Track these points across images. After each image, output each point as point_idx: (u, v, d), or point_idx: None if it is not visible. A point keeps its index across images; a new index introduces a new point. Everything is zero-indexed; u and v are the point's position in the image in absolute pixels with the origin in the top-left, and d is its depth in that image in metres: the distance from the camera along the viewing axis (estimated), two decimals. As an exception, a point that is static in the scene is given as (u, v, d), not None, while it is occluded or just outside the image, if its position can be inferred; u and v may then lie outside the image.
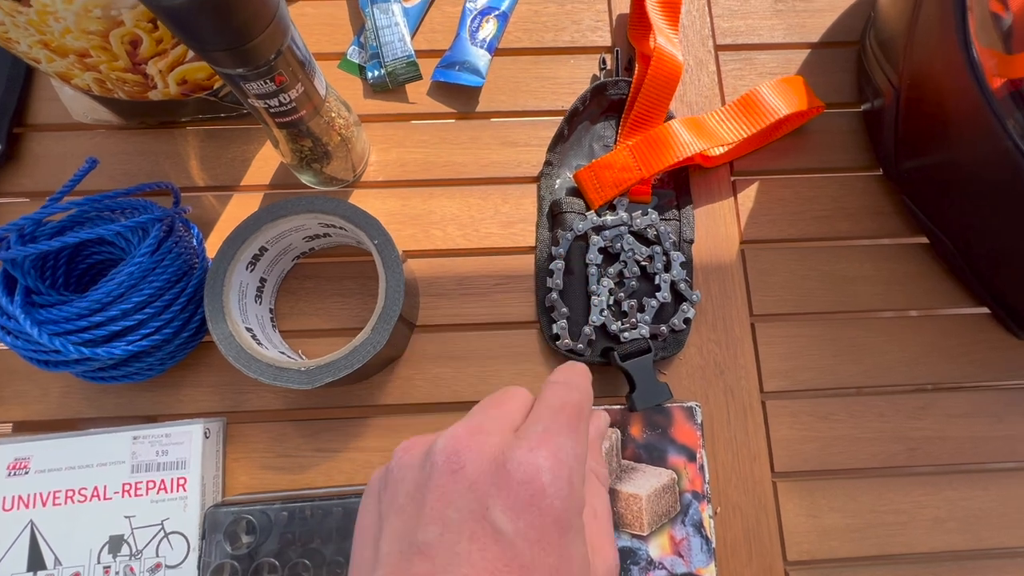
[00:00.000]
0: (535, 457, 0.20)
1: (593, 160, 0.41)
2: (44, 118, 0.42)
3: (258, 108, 0.30)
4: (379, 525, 0.21)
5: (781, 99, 0.39)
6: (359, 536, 0.22)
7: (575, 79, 0.44)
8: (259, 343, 0.33)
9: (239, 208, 0.41)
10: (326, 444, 0.37)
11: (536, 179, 0.41)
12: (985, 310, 0.39)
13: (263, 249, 0.35)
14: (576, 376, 0.24)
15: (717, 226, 0.41)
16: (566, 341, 0.37)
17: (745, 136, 0.38)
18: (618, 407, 0.35)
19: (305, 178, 0.40)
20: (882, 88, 0.38)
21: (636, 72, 0.40)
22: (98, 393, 0.37)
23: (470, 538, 0.19)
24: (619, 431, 0.34)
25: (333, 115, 0.34)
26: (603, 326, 0.37)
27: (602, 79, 0.42)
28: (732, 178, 0.42)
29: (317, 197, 0.34)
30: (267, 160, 0.41)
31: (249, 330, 0.33)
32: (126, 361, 0.33)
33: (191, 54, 0.35)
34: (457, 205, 0.41)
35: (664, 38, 0.39)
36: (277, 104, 0.30)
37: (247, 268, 0.34)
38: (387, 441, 0.37)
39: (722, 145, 0.39)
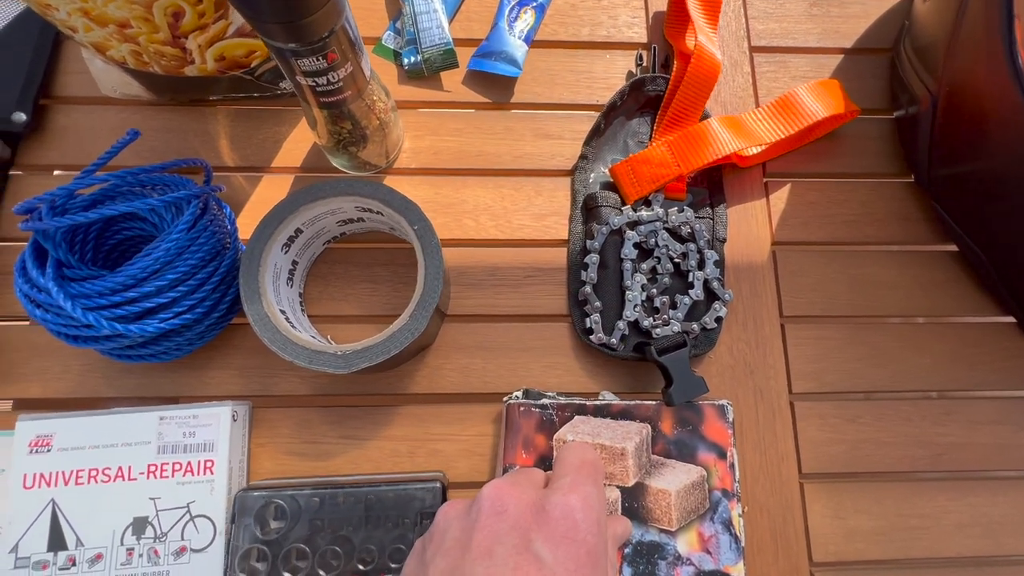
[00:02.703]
0: (569, 499, 0.24)
1: (628, 155, 0.41)
2: (71, 90, 0.41)
3: (303, 86, 0.30)
4: (423, 570, 0.23)
5: (819, 102, 0.39)
6: None
7: (610, 74, 0.43)
8: (292, 326, 0.33)
9: (269, 190, 0.40)
10: (352, 431, 0.36)
11: (570, 172, 0.41)
12: (1011, 319, 0.40)
13: (298, 231, 0.34)
14: (585, 444, 0.29)
15: (749, 226, 0.41)
16: (599, 335, 0.37)
17: (783, 137, 0.39)
18: (650, 402, 0.34)
19: (338, 161, 0.39)
20: (918, 95, 0.39)
21: (674, 69, 0.40)
22: (120, 372, 0.36)
23: (514, 568, 0.21)
24: (649, 426, 0.34)
25: (374, 98, 0.34)
26: (635, 322, 0.37)
27: (639, 75, 0.42)
28: (764, 179, 0.42)
29: (356, 180, 0.34)
30: (298, 142, 0.41)
31: (283, 312, 0.33)
32: (155, 340, 0.33)
33: (231, 30, 0.34)
34: (490, 195, 0.40)
35: (705, 36, 0.39)
36: (325, 83, 0.29)
37: (282, 249, 0.34)
38: (415, 430, 0.36)
39: (759, 145, 0.39)
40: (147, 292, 0.30)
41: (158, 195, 0.33)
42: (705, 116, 0.41)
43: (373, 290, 0.38)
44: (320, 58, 0.28)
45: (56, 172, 0.39)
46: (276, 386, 0.37)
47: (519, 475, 0.26)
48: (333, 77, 0.29)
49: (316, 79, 0.29)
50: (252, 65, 0.37)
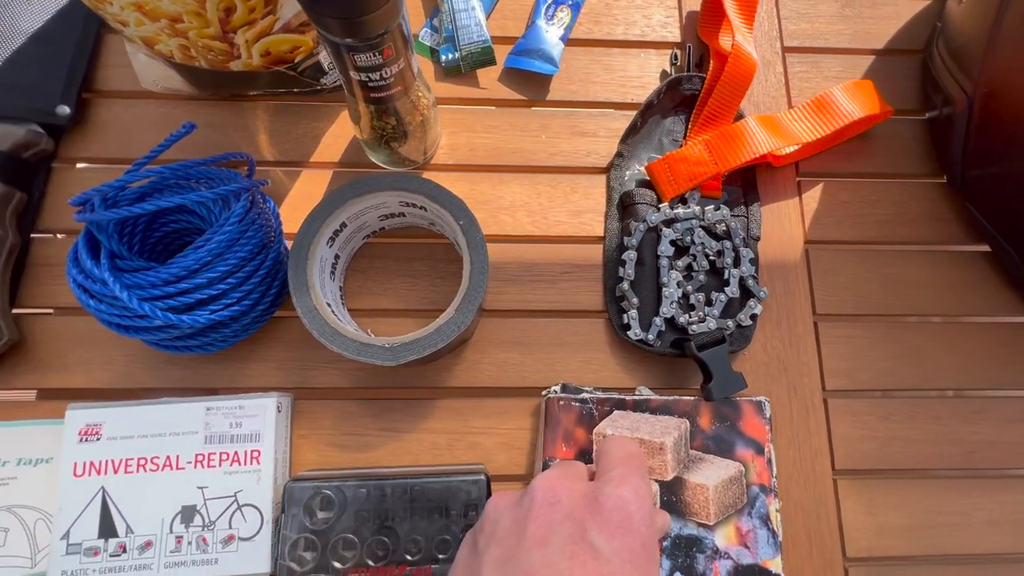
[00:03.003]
0: (621, 491, 0.24)
1: (663, 153, 0.41)
2: (112, 84, 0.41)
3: (353, 81, 0.30)
4: (477, 560, 0.23)
5: (854, 102, 0.40)
6: (458, 571, 0.24)
7: (644, 72, 0.44)
8: (337, 319, 0.33)
9: (308, 184, 0.40)
10: (392, 424, 0.37)
11: (605, 170, 0.42)
12: (1042, 319, 0.40)
13: (343, 225, 0.35)
14: (627, 438, 0.30)
15: (782, 225, 0.41)
16: (636, 331, 0.37)
17: (819, 136, 0.39)
18: (689, 398, 0.35)
19: (377, 157, 0.39)
20: (953, 95, 0.39)
21: (711, 68, 0.41)
22: (163, 363, 0.37)
23: (571, 557, 0.22)
24: (688, 422, 0.34)
25: (419, 95, 0.34)
26: (671, 318, 0.38)
27: (674, 74, 0.42)
28: (797, 178, 0.42)
29: (401, 176, 0.34)
30: (337, 137, 0.41)
31: (328, 305, 0.33)
32: (202, 331, 0.33)
33: (278, 25, 0.35)
34: (527, 192, 0.41)
35: (742, 36, 0.40)
36: (378, 78, 0.29)
37: (328, 243, 0.34)
38: (454, 423, 0.37)
39: (795, 144, 0.39)
40: (199, 284, 0.31)
41: (205, 188, 0.34)
42: (739, 116, 0.41)
43: (411, 284, 0.39)
44: (376, 54, 0.28)
45: (96, 165, 0.40)
46: (316, 379, 0.37)
47: (566, 468, 0.27)
48: (386, 73, 0.30)
49: (369, 75, 0.29)
50: (296, 60, 0.37)
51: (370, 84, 0.30)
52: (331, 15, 0.25)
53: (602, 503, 0.24)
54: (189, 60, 0.35)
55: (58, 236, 0.39)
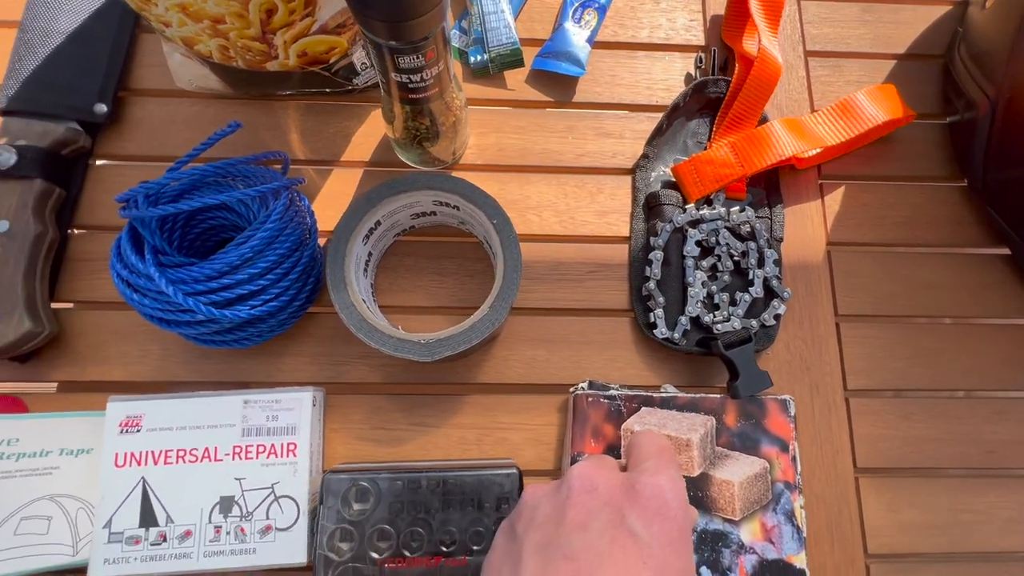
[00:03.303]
0: (658, 479, 0.25)
1: (686, 156, 0.42)
2: (146, 83, 0.42)
3: (393, 82, 0.31)
4: (517, 545, 0.24)
5: (878, 106, 0.40)
6: (493, 561, 0.25)
7: (669, 75, 0.44)
8: (372, 314, 0.34)
9: (338, 183, 0.41)
10: (422, 419, 0.37)
11: (631, 171, 0.42)
12: (1061, 322, 0.41)
13: (378, 223, 0.35)
14: (657, 432, 0.30)
15: (804, 227, 0.42)
16: (662, 330, 0.38)
17: (843, 140, 0.40)
18: (715, 396, 0.35)
19: (407, 156, 0.40)
20: (976, 100, 0.40)
21: (736, 72, 0.41)
22: (198, 357, 0.38)
23: (611, 541, 0.22)
24: (714, 419, 0.35)
25: (452, 96, 0.35)
26: (696, 317, 0.38)
27: (698, 77, 0.43)
28: (820, 181, 0.43)
29: (437, 175, 0.35)
30: (367, 137, 0.42)
31: (364, 302, 0.34)
32: (241, 326, 0.34)
33: (315, 27, 0.35)
34: (554, 192, 0.42)
35: (767, 40, 0.40)
36: (418, 80, 0.30)
37: (363, 240, 0.35)
38: (483, 418, 0.37)
39: (819, 147, 0.40)
40: (240, 279, 0.31)
41: (243, 186, 0.35)
42: (763, 119, 0.42)
43: (440, 282, 0.40)
44: (419, 57, 0.29)
45: (131, 163, 0.41)
46: (347, 374, 0.38)
47: (598, 460, 0.27)
48: (426, 75, 0.30)
49: (410, 76, 0.30)
50: (331, 61, 0.38)
51: (410, 85, 0.31)
52: (379, 18, 0.26)
53: (639, 491, 0.24)
54: (227, 60, 0.36)
55: (89, 232, 0.40)
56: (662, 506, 0.24)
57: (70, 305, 0.38)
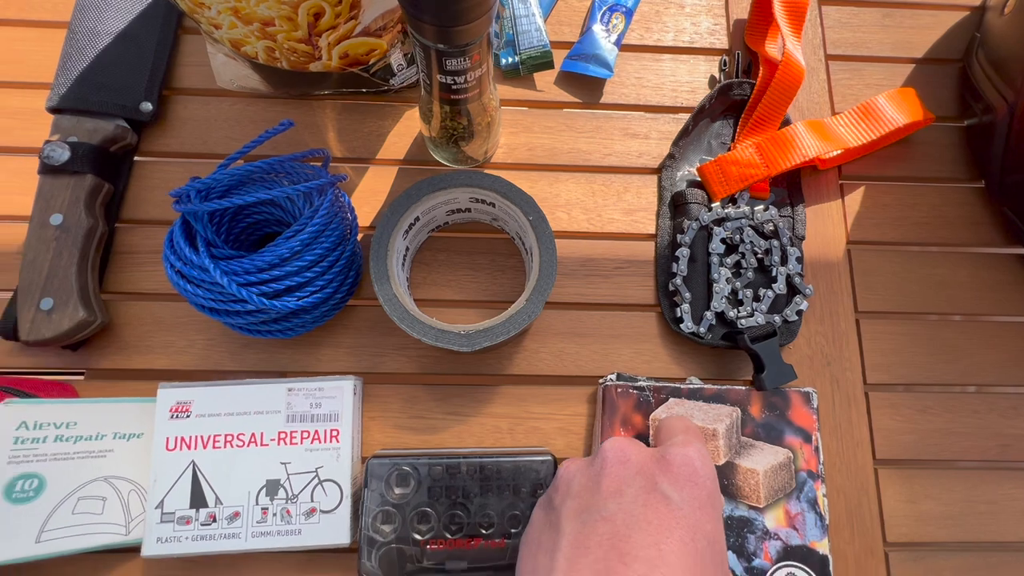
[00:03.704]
0: (687, 450, 0.26)
1: (710, 156, 0.43)
2: (187, 82, 0.43)
3: (437, 82, 0.32)
4: (555, 515, 0.25)
5: (898, 109, 0.41)
6: (532, 534, 0.26)
7: (694, 78, 0.46)
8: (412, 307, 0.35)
9: (373, 180, 0.42)
10: (456, 408, 0.39)
11: (657, 170, 0.44)
12: (1075, 320, 0.42)
13: (417, 219, 0.37)
14: (682, 416, 0.32)
15: (825, 226, 0.43)
16: (688, 324, 0.39)
17: (865, 141, 0.41)
18: (740, 387, 0.37)
19: (441, 155, 0.41)
20: (994, 104, 0.41)
21: (760, 75, 0.43)
22: (241, 347, 0.39)
23: (644, 504, 0.23)
24: (739, 410, 0.36)
25: (490, 97, 0.36)
26: (721, 312, 0.39)
27: (722, 80, 0.44)
28: (840, 181, 0.44)
29: (475, 172, 0.36)
30: (401, 136, 0.43)
31: (404, 294, 0.35)
32: (286, 317, 0.35)
33: (358, 29, 0.37)
34: (582, 190, 0.43)
35: (792, 44, 0.41)
36: (462, 81, 0.31)
37: (404, 235, 0.36)
38: (515, 408, 0.39)
39: (841, 148, 0.41)
40: (289, 271, 0.33)
41: (287, 182, 0.36)
42: (785, 121, 0.43)
43: (473, 277, 0.41)
44: (465, 59, 0.30)
45: (174, 159, 0.42)
46: (383, 364, 0.39)
47: (629, 438, 0.29)
48: (469, 77, 0.31)
49: (455, 78, 0.31)
50: (370, 63, 0.39)
51: (453, 86, 0.32)
52: (431, 22, 0.27)
53: (670, 460, 0.26)
54: (272, 61, 0.37)
55: (135, 226, 0.41)
56: (692, 473, 0.25)
57: (117, 296, 0.39)
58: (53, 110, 0.39)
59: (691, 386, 0.37)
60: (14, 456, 0.31)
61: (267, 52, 0.37)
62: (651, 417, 0.36)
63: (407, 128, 0.43)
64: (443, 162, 0.42)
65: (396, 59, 0.40)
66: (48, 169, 0.37)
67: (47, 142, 0.37)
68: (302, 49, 0.36)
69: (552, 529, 0.25)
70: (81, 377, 0.38)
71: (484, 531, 0.32)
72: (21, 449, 0.31)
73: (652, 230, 0.42)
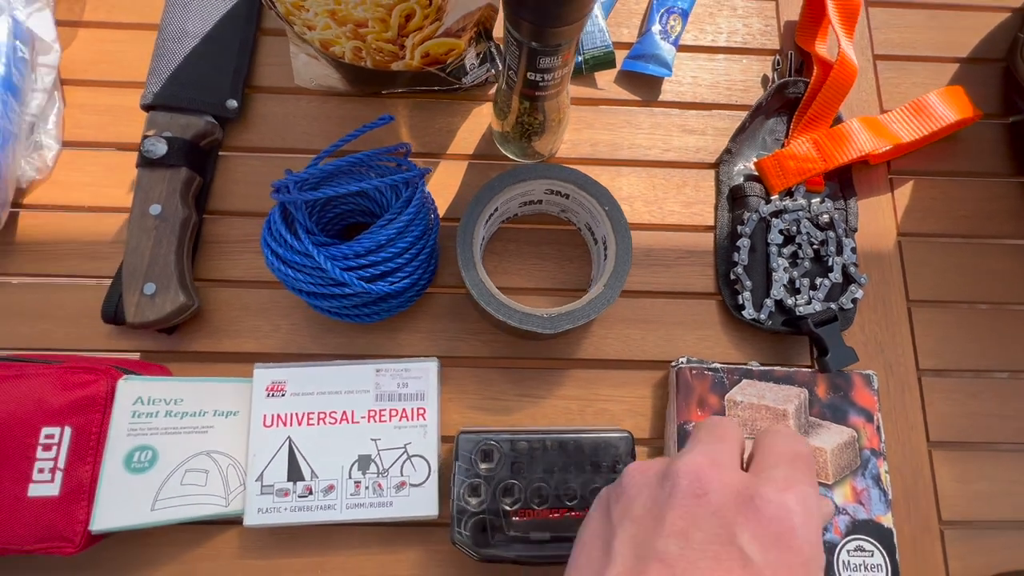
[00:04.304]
0: (785, 498, 0.20)
1: (765, 151, 0.45)
2: (266, 81, 0.46)
3: (521, 78, 0.34)
4: (610, 531, 0.21)
5: (948, 106, 0.43)
6: (586, 539, 0.23)
7: (747, 77, 0.48)
8: (493, 292, 0.37)
9: (445, 174, 0.44)
10: (529, 390, 0.40)
11: (714, 165, 0.45)
12: (1119, 308, 0.43)
13: (496, 209, 0.38)
14: (796, 435, 0.25)
15: (876, 218, 0.45)
16: (750, 311, 0.41)
17: (917, 137, 0.43)
18: (806, 369, 0.38)
19: (509, 150, 0.43)
20: (1040, 102, 0.43)
21: (814, 74, 0.44)
22: (323, 331, 0.41)
23: (714, 558, 0.19)
24: (807, 391, 0.38)
25: (566, 95, 0.38)
26: (780, 300, 0.41)
27: (776, 79, 0.46)
28: (889, 176, 0.46)
29: (552, 165, 0.38)
30: (470, 132, 0.45)
31: (487, 280, 0.37)
32: (375, 301, 0.37)
33: (440, 30, 0.39)
34: (643, 184, 0.45)
35: (845, 43, 0.43)
36: (551, 79, 0.33)
37: (484, 225, 0.38)
38: (583, 391, 0.40)
39: (893, 144, 0.43)
40: (385, 257, 0.35)
41: (374, 175, 0.38)
42: (837, 118, 0.45)
43: (542, 266, 0.43)
44: (557, 58, 0.32)
45: (255, 154, 0.44)
46: (458, 348, 0.41)
47: (716, 448, 0.23)
48: (556, 75, 0.33)
49: (544, 75, 0.33)
50: (448, 62, 0.41)
51: (540, 83, 0.34)
52: (531, 21, 0.29)
53: (760, 507, 0.20)
54: (357, 60, 0.40)
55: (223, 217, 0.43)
56: (786, 531, 0.20)
57: (206, 283, 0.42)
58: (147, 107, 0.42)
59: (763, 368, 0.38)
60: (132, 428, 0.33)
61: (354, 52, 0.39)
62: (726, 398, 0.38)
63: (475, 124, 0.45)
64: (511, 157, 0.44)
65: (469, 59, 0.43)
66: (147, 162, 0.39)
67: (146, 137, 0.39)
68: (388, 49, 0.38)
69: (604, 547, 0.22)
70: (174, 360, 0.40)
71: (567, 503, 0.34)
72: (137, 422, 0.33)
73: (711, 222, 0.44)
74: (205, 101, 0.42)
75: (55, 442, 0.31)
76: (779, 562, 0.19)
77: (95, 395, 0.33)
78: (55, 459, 0.31)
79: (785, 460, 0.22)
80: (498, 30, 0.43)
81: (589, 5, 0.29)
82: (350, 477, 0.35)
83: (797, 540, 0.19)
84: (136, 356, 0.40)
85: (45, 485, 0.31)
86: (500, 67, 0.45)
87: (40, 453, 0.31)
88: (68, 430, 0.32)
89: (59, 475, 0.31)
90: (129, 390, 0.33)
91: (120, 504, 0.33)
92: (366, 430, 0.36)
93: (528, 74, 0.33)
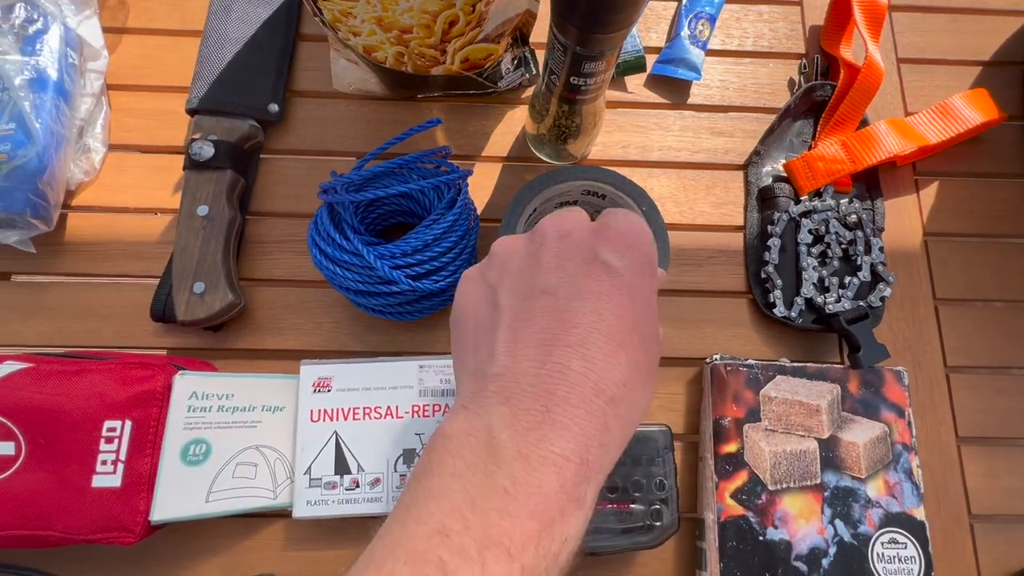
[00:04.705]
0: (627, 219, 0.25)
1: (792, 153, 0.46)
2: (305, 85, 0.47)
3: (562, 82, 0.35)
4: (492, 291, 0.24)
5: (973, 108, 0.44)
6: (466, 307, 0.25)
7: (773, 80, 0.49)
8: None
9: (480, 176, 0.45)
10: (565, 387, 0.41)
11: (743, 167, 0.46)
12: None
13: (535, 209, 0.39)
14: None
15: (902, 218, 0.46)
16: (781, 309, 0.42)
17: (944, 139, 0.43)
18: (839, 366, 0.39)
19: (543, 152, 0.44)
20: (1064, 104, 0.43)
21: (841, 77, 0.45)
22: (363, 329, 0.42)
23: (586, 275, 0.23)
24: (839, 386, 0.39)
25: (601, 99, 0.39)
26: (810, 298, 0.42)
27: (802, 82, 0.47)
28: (914, 177, 0.47)
29: (590, 167, 0.39)
30: (503, 135, 0.46)
31: (526, 279, 0.38)
32: (417, 300, 0.38)
33: (480, 36, 0.40)
34: (673, 185, 0.46)
35: (872, 47, 0.44)
36: (593, 83, 0.34)
37: (524, 224, 0.39)
38: (619, 387, 0.41)
39: (920, 145, 0.44)
40: (430, 256, 0.36)
41: (417, 177, 0.39)
42: (863, 121, 0.46)
43: (575, 265, 0.44)
44: (601, 63, 0.33)
45: (295, 156, 0.45)
46: (495, 346, 0.42)
47: (569, 209, 0.27)
48: (599, 79, 0.34)
49: (586, 79, 0.34)
50: (485, 67, 0.42)
51: (581, 87, 0.35)
52: (580, 26, 0.30)
53: (611, 227, 0.24)
54: (399, 65, 0.41)
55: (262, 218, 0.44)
56: (632, 241, 0.24)
57: (249, 282, 0.43)
58: (192, 111, 0.43)
59: (796, 364, 0.39)
60: (188, 422, 0.34)
61: (396, 57, 0.40)
62: (761, 393, 0.38)
63: (509, 128, 0.47)
64: (545, 159, 0.45)
65: (505, 63, 0.44)
66: (194, 165, 0.40)
67: (193, 140, 0.40)
68: (430, 54, 0.39)
69: (490, 305, 0.24)
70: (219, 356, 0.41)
71: (609, 495, 0.35)
72: (193, 417, 0.34)
73: (740, 222, 0.45)
74: (248, 105, 0.43)
75: (116, 435, 0.32)
76: (632, 263, 0.23)
77: (153, 390, 0.34)
78: (116, 451, 0.32)
79: (620, 211, 0.26)
80: (534, 36, 0.45)
81: (638, 12, 0.30)
82: (395, 471, 0.36)
83: (641, 246, 0.24)
84: (182, 353, 0.41)
85: (108, 476, 0.32)
86: (536, 71, 0.46)
87: (103, 446, 0.32)
88: (128, 423, 0.33)
89: (120, 467, 0.32)
90: (185, 385, 0.34)
91: (177, 495, 0.33)
92: (410, 425, 0.37)
93: (571, 78, 0.34)
